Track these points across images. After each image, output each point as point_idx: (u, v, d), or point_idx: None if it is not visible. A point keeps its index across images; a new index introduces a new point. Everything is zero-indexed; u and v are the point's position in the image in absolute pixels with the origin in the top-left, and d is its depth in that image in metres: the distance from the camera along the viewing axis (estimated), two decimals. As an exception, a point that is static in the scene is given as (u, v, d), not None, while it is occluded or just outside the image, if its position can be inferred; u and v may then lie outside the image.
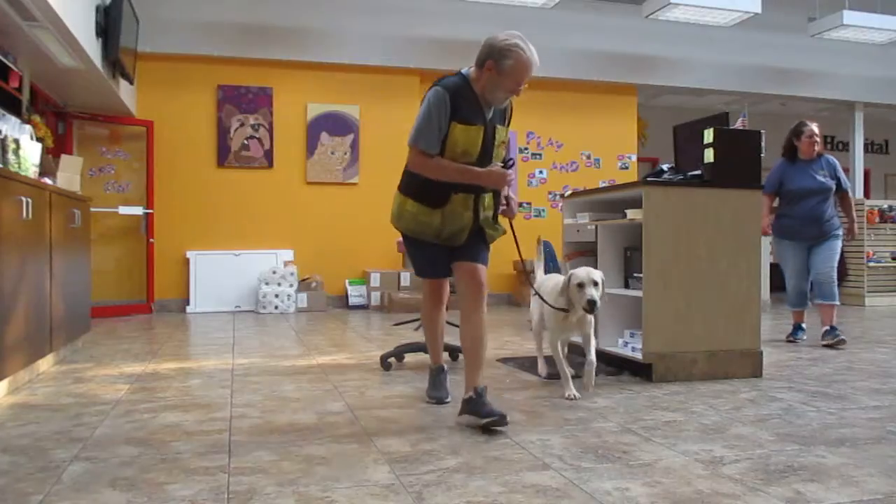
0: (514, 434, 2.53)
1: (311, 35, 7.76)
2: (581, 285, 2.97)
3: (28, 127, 4.71)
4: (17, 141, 3.93)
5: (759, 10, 7.25)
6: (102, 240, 7.26)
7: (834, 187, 4.99)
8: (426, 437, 2.48)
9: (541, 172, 8.75)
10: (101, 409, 2.95)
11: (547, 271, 6.04)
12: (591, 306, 2.93)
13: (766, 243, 8.49)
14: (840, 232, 5.03)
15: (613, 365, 3.81)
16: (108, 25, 5.78)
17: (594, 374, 3.22)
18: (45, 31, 4.68)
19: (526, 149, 8.68)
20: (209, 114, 7.67)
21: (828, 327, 4.88)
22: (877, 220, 8.77)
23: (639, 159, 9.32)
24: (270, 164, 7.78)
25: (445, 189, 2.70)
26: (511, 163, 2.77)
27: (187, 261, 7.54)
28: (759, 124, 7.31)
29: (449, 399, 3.03)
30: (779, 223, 5.17)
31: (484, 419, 2.55)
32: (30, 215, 3.35)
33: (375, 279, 7.82)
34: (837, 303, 4.96)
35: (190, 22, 7.41)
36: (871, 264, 8.66)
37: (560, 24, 8.24)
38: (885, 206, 8.95)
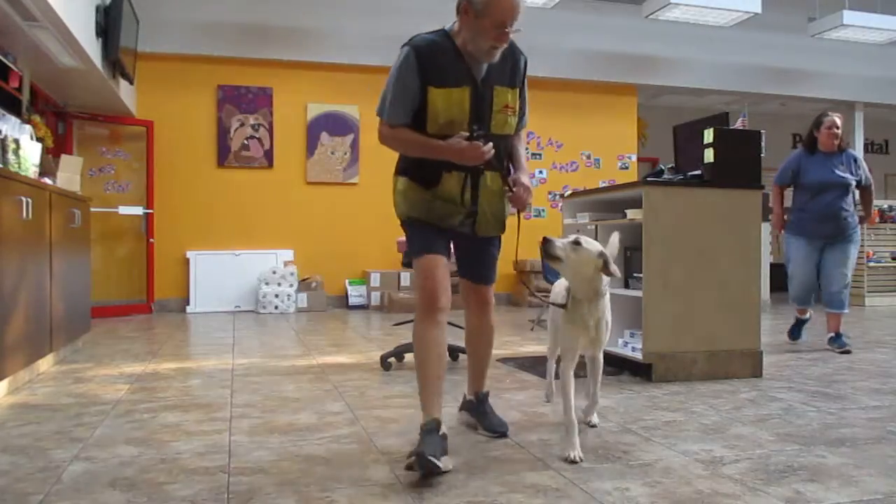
0: (514, 434, 2.53)
1: (311, 35, 7.76)
2: (577, 243, 2.30)
3: (28, 127, 4.71)
4: (17, 141, 3.93)
5: (759, 10, 7.25)
6: (102, 240, 7.26)
7: (854, 183, 4.65)
8: (426, 437, 2.48)
9: (541, 172, 8.76)
10: (101, 409, 2.95)
11: (547, 272, 6.05)
12: (544, 243, 2.28)
13: (767, 243, 8.50)
14: (857, 236, 4.69)
15: (613, 365, 3.81)
16: (108, 25, 5.78)
17: (596, 404, 2.67)
18: (45, 31, 4.68)
19: (526, 149, 8.67)
20: (209, 114, 7.67)
21: (833, 334, 4.63)
22: (877, 220, 8.77)
23: (639, 159, 9.32)
24: (270, 164, 7.78)
25: (436, 167, 2.30)
26: (479, 134, 2.24)
27: (187, 261, 7.54)
28: (759, 124, 7.32)
29: (446, 469, 2.05)
30: (793, 218, 4.82)
31: (483, 431, 2.53)
32: (30, 215, 3.35)
33: (375, 279, 7.83)
34: (846, 311, 4.66)
35: (190, 22, 7.41)
36: (871, 264, 8.66)
37: (560, 24, 8.24)
38: (885, 206, 8.96)
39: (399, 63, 2.26)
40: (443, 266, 2.32)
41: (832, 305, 4.65)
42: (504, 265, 9.06)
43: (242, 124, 7.72)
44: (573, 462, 2.15)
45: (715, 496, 1.89)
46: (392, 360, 3.93)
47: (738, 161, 3.66)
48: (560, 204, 5.61)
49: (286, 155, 7.85)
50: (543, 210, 8.74)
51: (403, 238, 4.01)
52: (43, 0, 4.12)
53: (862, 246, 8.58)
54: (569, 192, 5.08)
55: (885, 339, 5.27)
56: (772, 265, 8.67)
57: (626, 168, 9.07)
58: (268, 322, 6.54)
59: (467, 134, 2.22)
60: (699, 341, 3.58)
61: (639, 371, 3.64)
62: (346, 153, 7.98)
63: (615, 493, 1.91)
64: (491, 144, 2.21)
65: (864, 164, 4.76)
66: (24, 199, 3.27)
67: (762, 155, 3.81)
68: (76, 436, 2.52)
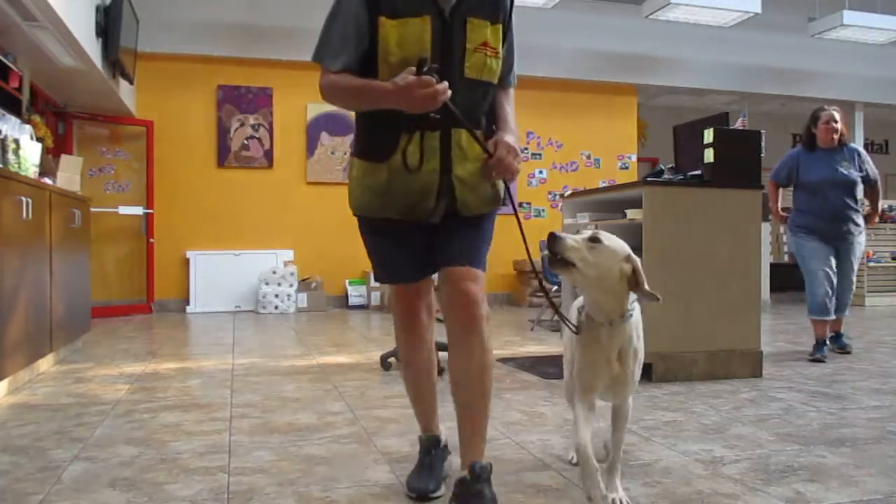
0: (514, 434, 2.53)
1: (311, 35, 7.63)
2: (595, 239, 1.69)
3: (28, 127, 4.72)
4: (17, 141, 3.93)
5: (759, 10, 7.25)
6: (102, 240, 7.26)
7: (859, 180, 4.44)
8: (426, 437, 2.48)
9: (541, 172, 8.76)
10: (101, 409, 2.95)
11: (547, 272, 6.05)
12: (549, 241, 1.68)
13: (767, 243, 8.49)
14: (863, 237, 4.51)
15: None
16: (108, 25, 5.78)
17: (617, 472, 1.84)
18: (45, 31, 4.68)
19: (526, 149, 8.68)
20: (209, 114, 7.67)
21: (832, 334, 4.52)
22: (877, 220, 8.76)
23: (639, 159, 9.32)
24: (270, 164, 7.78)
25: (389, 127, 1.74)
26: (426, 67, 1.60)
27: (187, 261, 7.54)
28: (759, 124, 7.32)
29: (439, 493, 1.90)
30: (799, 218, 4.55)
31: None
32: (30, 215, 3.35)
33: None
34: (847, 313, 4.57)
35: (190, 22, 7.41)
36: (871, 264, 8.66)
37: (560, 24, 8.24)
38: (886, 206, 8.95)
39: None
40: (426, 296, 1.98)
41: (841, 309, 4.50)
42: (504, 265, 8.97)
43: (242, 124, 7.72)
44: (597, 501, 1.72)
45: (715, 496, 1.89)
46: (392, 360, 3.93)
47: (738, 161, 3.66)
48: (560, 204, 5.61)
49: (286, 155, 7.85)
50: (543, 210, 8.74)
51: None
52: (43, 0, 4.12)
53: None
54: (569, 192, 5.08)
55: (885, 339, 5.27)
56: (772, 265, 8.67)
57: (626, 168, 9.07)
58: (268, 322, 6.54)
59: (415, 69, 1.61)
60: (699, 341, 3.58)
61: (639, 371, 3.64)
62: (346, 153, 7.98)
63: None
64: (446, 84, 1.61)
65: (867, 158, 4.54)
66: (24, 199, 3.27)
67: (762, 155, 3.81)
68: (76, 436, 2.52)
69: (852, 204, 4.41)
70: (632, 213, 3.71)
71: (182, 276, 7.56)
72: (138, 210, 7.36)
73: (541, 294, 7.57)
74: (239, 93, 7.71)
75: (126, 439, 2.47)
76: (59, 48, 5.07)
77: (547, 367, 3.89)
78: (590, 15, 8.51)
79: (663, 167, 4.02)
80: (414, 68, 1.61)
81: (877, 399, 3.13)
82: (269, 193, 7.77)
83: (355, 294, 7.93)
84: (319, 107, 7.91)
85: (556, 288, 5.67)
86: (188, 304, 7.50)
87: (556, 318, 5.13)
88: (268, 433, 2.56)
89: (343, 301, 8.00)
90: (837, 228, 4.39)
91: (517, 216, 1.95)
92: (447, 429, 2.11)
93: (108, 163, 7.54)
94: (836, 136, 4.42)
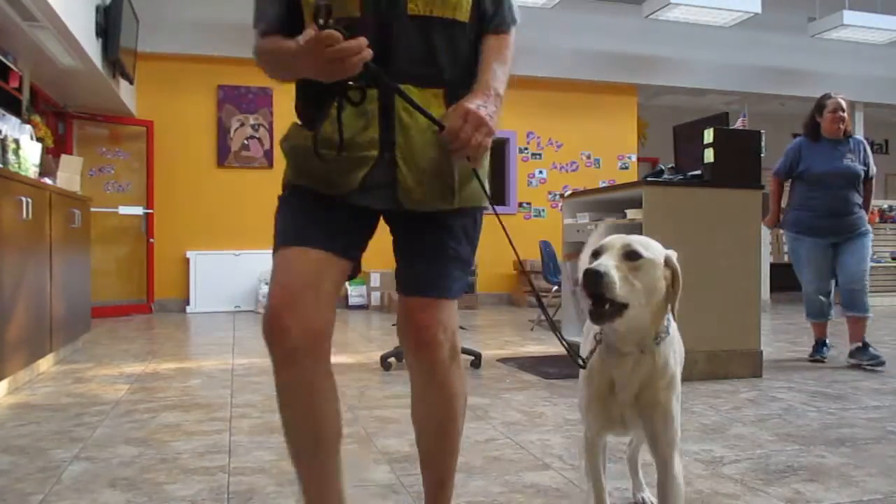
0: (514, 434, 2.53)
1: (311, 35, 7.74)
2: (632, 255, 1.26)
3: (28, 127, 4.72)
4: (17, 141, 3.93)
5: (759, 10, 7.25)
6: (102, 240, 7.26)
7: (863, 174, 4.14)
8: (426, 437, 2.48)
9: (541, 172, 8.75)
10: (101, 409, 2.95)
11: (546, 272, 6.03)
12: (589, 283, 1.20)
13: (767, 242, 8.49)
14: (869, 228, 4.17)
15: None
16: (108, 25, 5.78)
17: None
18: (45, 31, 4.68)
19: (526, 149, 8.68)
20: (209, 114, 7.67)
21: (859, 344, 4.03)
22: (877, 220, 8.77)
23: (639, 159, 9.32)
24: (270, 165, 7.78)
25: (319, 92, 1.32)
26: (322, 13, 1.14)
27: (187, 261, 7.54)
28: (759, 124, 7.31)
29: None
30: (795, 215, 4.25)
31: None
32: (30, 215, 3.35)
33: (375, 279, 7.82)
34: (870, 315, 4.09)
35: (190, 22, 7.41)
36: (871, 264, 8.65)
37: (560, 24, 8.24)
38: (886, 206, 8.95)
39: None
40: (308, 264, 1.31)
41: (854, 307, 4.07)
42: (504, 265, 8.95)
43: (242, 124, 7.72)
44: None
45: (715, 496, 1.89)
46: (392, 360, 3.93)
47: (738, 161, 3.66)
48: (560, 204, 5.61)
49: (286, 155, 7.85)
50: (543, 210, 8.73)
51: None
52: (43, 0, 4.12)
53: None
54: (569, 192, 5.08)
55: (885, 339, 5.27)
56: (772, 265, 8.67)
57: (626, 168, 9.07)
58: (268, 322, 6.53)
59: (319, 22, 1.15)
60: (699, 341, 3.57)
61: (639, 371, 3.64)
62: (346, 153, 7.97)
63: (615, 493, 1.91)
64: (362, 42, 1.15)
65: (870, 153, 4.27)
66: (24, 199, 3.27)
67: (762, 155, 3.81)
68: (76, 436, 2.51)
69: (856, 198, 4.14)
70: (632, 213, 3.71)
71: (182, 276, 7.56)
72: (138, 210, 7.36)
73: (542, 293, 7.57)
74: (239, 93, 7.71)
75: (126, 439, 2.47)
76: (59, 48, 5.07)
77: (547, 367, 3.89)
78: (590, 15, 8.51)
79: (663, 167, 4.02)
80: (319, 21, 1.14)
81: (877, 399, 3.13)
82: (269, 193, 7.70)
83: (355, 294, 7.93)
84: (319, 107, 7.90)
85: (555, 288, 5.65)
86: (188, 304, 7.50)
87: (555, 317, 5.12)
88: (268, 433, 2.56)
89: (343, 301, 8.00)
90: (838, 224, 4.11)
91: (496, 214, 1.46)
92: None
93: (108, 163, 7.54)
94: (842, 126, 4.12)
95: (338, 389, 1.38)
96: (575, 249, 4.51)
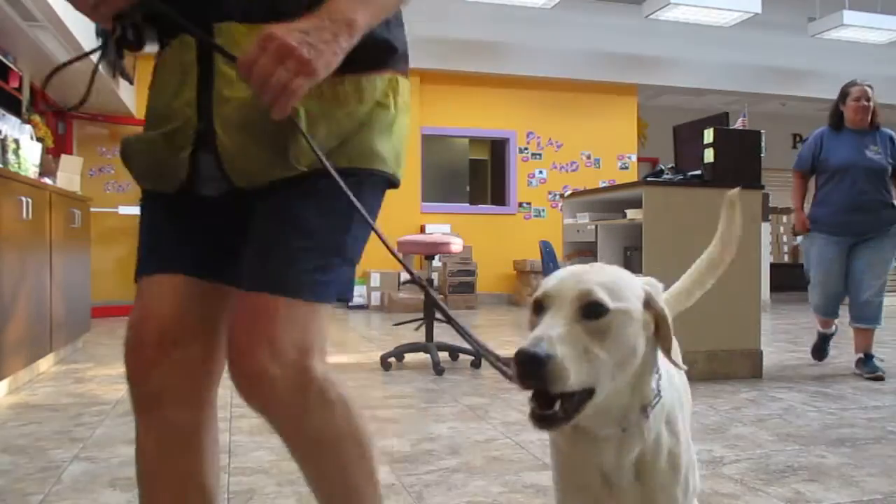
0: (514, 434, 2.53)
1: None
2: (594, 310, 0.82)
3: (28, 127, 4.72)
4: (17, 141, 3.93)
5: (759, 10, 7.26)
6: (102, 240, 7.26)
7: (890, 169, 3.81)
8: (426, 437, 2.48)
9: (541, 172, 8.75)
10: (101, 409, 2.95)
11: (546, 272, 6.01)
12: (524, 374, 0.76)
13: (767, 243, 8.48)
14: (894, 230, 3.79)
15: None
16: (108, 25, 5.77)
17: None
18: (45, 31, 4.68)
19: (526, 149, 8.68)
20: (209, 114, 7.66)
21: (862, 355, 3.80)
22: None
23: (639, 159, 9.32)
24: (270, 164, 7.78)
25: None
26: None
27: (187, 261, 7.53)
28: (759, 124, 7.32)
29: None
30: (812, 212, 3.95)
31: None
32: (30, 215, 3.35)
33: (375, 279, 7.82)
34: (881, 326, 3.84)
35: (190, 22, 7.40)
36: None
37: (560, 24, 8.24)
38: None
39: None
40: (167, 298, 1.03)
41: (862, 318, 3.79)
42: (504, 265, 8.95)
43: (242, 124, 7.71)
44: None
45: (715, 496, 1.89)
46: (392, 360, 3.93)
47: (738, 161, 3.66)
48: (560, 204, 5.61)
49: (286, 155, 7.84)
50: (543, 210, 8.73)
51: (407, 238, 4.01)
52: (43, 0, 4.12)
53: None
54: (569, 192, 5.08)
55: (885, 339, 5.27)
56: (772, 265, 8.67)
57: (626, 168, 9.07)
58: (268, 322, 6.53)
59: None
60: (699, 341, 3.58)
61: (639, 371, 3.64)
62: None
63: (615, 493, 1.91)
64: None
65: None
66: (24, 199, 3.27)
67: (762, 155, 3.81)
68: (76, 436, 2.51)
69: (883, 194, 3.77)
70: (632, 213, 3.71)
71: (182, 276, 7.55)
72: (138, 210, 7.36)
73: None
74: (239, 93, 7.70)
75: (126, 439, 2.47)
76: (59, 48, 5.07)
77: (547, 367, 3.89)
78: (590, 15, 8.51)
79: (663, 167, 4.02)
80: None
81: (877, 399, 3.13)
82: (269, 193, 7.75)
83: (355, 294, 7.90)
84: (319, 107, 7.90)
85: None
86: (188, 304, 7.49)
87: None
88: (268, 433, 2.55)
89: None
90: (860, 222, 3.76)
91: (357, 205, 0.96)
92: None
93: (108, 163, 7.54)
94: (867, 116, 3.82)
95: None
96: (575, 249, 4.51)
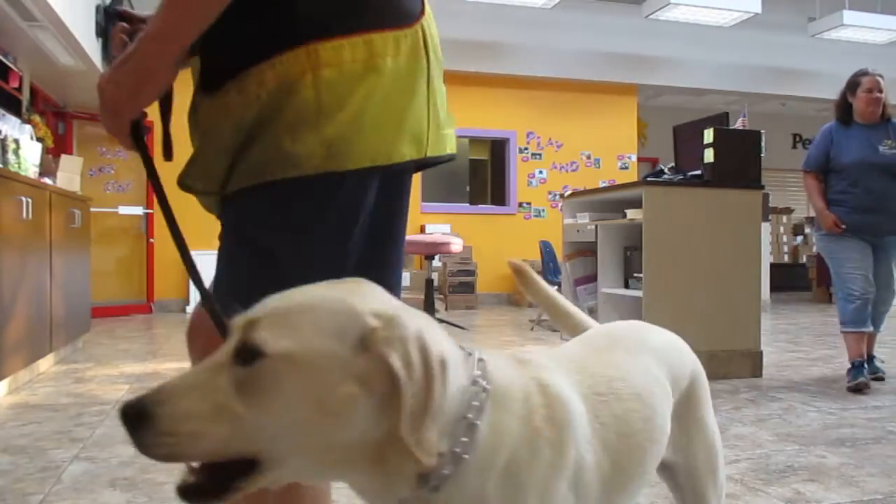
0: (514, 434, 2.52)
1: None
2: (247, 352, 0.62)
3: (28, 127, 4.71)
4: (17, 141, 3.93)
5: (759, 10, 7.26)
6: (102, 240, 7.26)
7: None
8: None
9: (541, 172, 8.75)
10: (101, 409, 2.95)
11: (546, 272, 6.01)
12: (127, 426, 0.62)
13: (767, 243, 8.49)
14: None
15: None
16: (108, 25, 5.78)
17: None
18: (45, 31, 4.68)
19: (526, 149, 8.68)
20: (209, 114, 7.66)
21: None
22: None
23: (639, 159, 9.32)
24: (270, 164, 7.78)
25: None
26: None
27: (187, 261, 7.53)
28: (759, 124, 7.32)
29: None
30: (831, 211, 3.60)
31: None
32: (30, 215, 3.35)
33: (375, 279, 7.81)
34: (882, 330, 3.73)
35: (190, 22, 7.40)
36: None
37: (560, 24, 8.24)
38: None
39: None
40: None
41: (876, 325, 3.63)
42: (503, 265, 8.91)
43: (242, 124, 7.71)
44: None
45: (715, 496, 1.89)
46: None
47: (738, 161, 3.66)
48: (560, 204, 5.61)
49: (286, 155, 7.84)
50: (543, 210, 8.73)
51: (407, 238, 4.02)
52: (43, 0, 4.12)
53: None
54: (569, 192, 5.08)
55: (885, 339, 5.27)
56: (772, 265, 8.67)
57: (626, 168, 9.07)
58: (268, 322, 6.53)
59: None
60: (699, 341, 3.56)
61: (639, 371, 3.64)
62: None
63: (615, 493, 1.91)
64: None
65: None
66: (24, 199, 3.27)
67: (762, 155, 3.81)
68: (76, 436, 2.51)
69: None
70: (632, 213, 3.71)
71: (182, 276, 7.55)
72: (138, 210, 7.36)
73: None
74: (239, 93, 7.70)
75: (126, 439, 2.46)
76: (59, 48, 5.07)
77: None
78: (590, 15, 8.51)
79: (663, 167, 4.02)
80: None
81: (877, 399, 3.13)
82: (269, 193, 7.75)
83: (355, 294, 7.92)
84: (319, 107, 7.90)
85: (555, 288, 5.63)
86: (188, 304, 7.49)
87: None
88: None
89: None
90: (878, 223, 3.49)
91: (162, 199, 1.05)
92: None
93: (108, 163, 7.54)
94: (878, 109, 3.58)
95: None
96: (575, 249, 4.51)
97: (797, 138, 11.67)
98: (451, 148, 1.10)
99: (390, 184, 1.00)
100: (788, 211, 10.48)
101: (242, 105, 0.92)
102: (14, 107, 5.17)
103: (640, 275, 3.57)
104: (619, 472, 0.79)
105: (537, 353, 0.82)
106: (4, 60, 5.05)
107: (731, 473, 2.07)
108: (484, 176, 9.55)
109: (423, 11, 0.99)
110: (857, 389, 3.27)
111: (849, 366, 3.40)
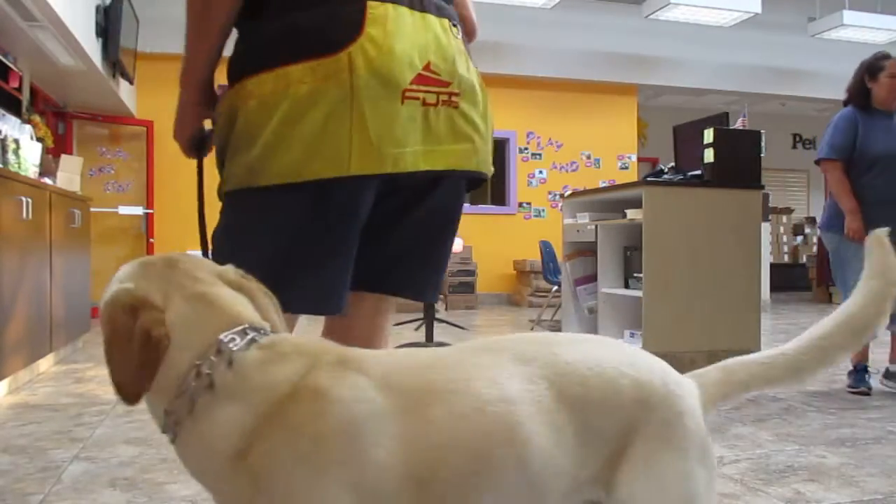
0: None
1: (311, 35, 7.73)
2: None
3: (28, 127, 4.71)
4: (17, 141, 3.93)
5: (759, 10, 7.25)
6: (102, 240, 7.26)
7: None
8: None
9: (541, 172, 8.75)
10: (101, 409, 2.95)
11: (546, 272, 6.01)
12: None
13: (767, 243, 8.48)
14: None
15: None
16: (108, 25, 5.77)
17: None
18: (45, 31, 4.68)
19: (526, 149, 8.68)
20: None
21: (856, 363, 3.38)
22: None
23: (639, 159, 9.32)
24: (270, 164, 7.78)
25: None
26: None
27: (187, 261, 7.53)
28: (759, 124, 7.32)
29: None
30: (840, 208, 3.30)
31: None
32: (30, 215, 3.35)
33: (375, 279, 7.81)
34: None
35: (190, 22, 7.40)
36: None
37: (560, 24, 8.24)
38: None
39: None
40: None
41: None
42: (504, 265, 8.93)
43: (242, 124, 7.71)
44: None
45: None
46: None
47: (738, 161, 3.66)
48: (560, 204, 5.61)
49: (286, 155, 7.84)
50: (543, 210, 8.73)
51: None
52: (43, 0, 4.12)
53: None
54: (569, 192, 5.08)
55: (885, 339, 5.27)
56: (772, 265, 8.67)
57: (626, 168, 9.07)
58: (268, 322, 6.52)
59: None
60: (699, 341, 3.58)
61: (639, 371, 3.64)
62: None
63: (615, 493, 1.91)
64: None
65: None
66: (24, 199, 3.27)
67: (762, 155, 3.81)
68: (76, 436, 2.51)
69: None
70: (632, 213, 3.71)
71: (182, 276, 7.55)
72: (138, 210, 7.36)
73: (541, 294, 7.58)
74: (239, 93, 7.70)
75: (126, 439, 2.47)
76: (59, 48, 5.07)
77: None
78: (590, 15, 8.51)
79: (663, 167, 4.02)
80: None
81: (877, 399, 3.13)
82: (269, 193, 7.74)
83: (355, 294, 7.92)
84: (319, 107, 7.89)
85: (555, 288, 5.65)
86: (188, 304, 7.49)
87: (555, 317, 5.09)
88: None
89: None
90: None
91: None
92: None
93: (108, 163, 7.54)
94: None
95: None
96: (575, 249, 4.51)
97: (797, 138, 11.67)
98: (457, 163, 1.20)
99: (394, 196, 1.20)
100: (788, 211, 10.48)
101: (217, 128, 1.22)
102: (14, 107, 5.17)
103: (640, 275, 3.57)
104: (435, 481, 0.73)
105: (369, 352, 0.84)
106: (4, 60, 5.05)
107: (731, 473, 2.07)
108: (484, 176, 9.54)
109: (356, 36, 1.08)
110: (862, 393, 3.22)
111: (850, 367, 3.36)
